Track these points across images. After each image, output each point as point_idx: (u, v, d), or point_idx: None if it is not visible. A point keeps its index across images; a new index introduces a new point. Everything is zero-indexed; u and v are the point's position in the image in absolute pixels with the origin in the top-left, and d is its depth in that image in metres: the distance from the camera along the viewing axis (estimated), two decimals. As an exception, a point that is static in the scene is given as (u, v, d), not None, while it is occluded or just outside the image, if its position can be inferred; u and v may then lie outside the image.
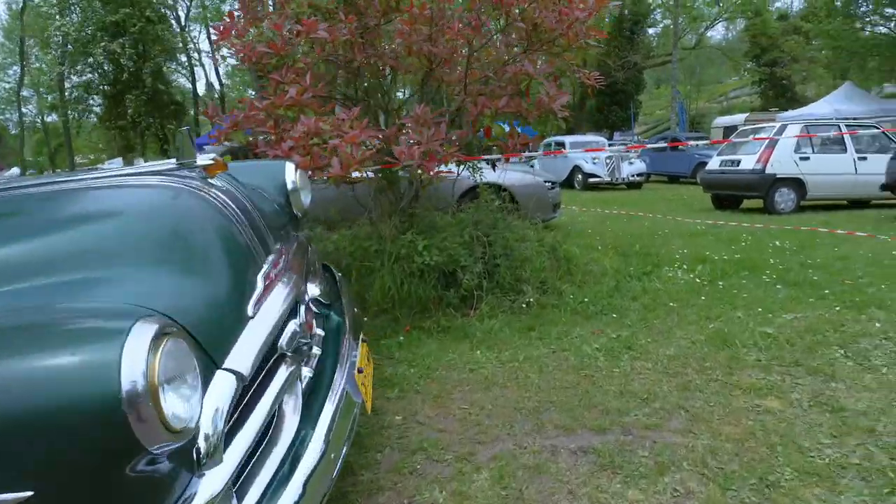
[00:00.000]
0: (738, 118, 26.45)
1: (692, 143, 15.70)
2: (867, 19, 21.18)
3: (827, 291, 4.16)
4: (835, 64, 27.16)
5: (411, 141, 3.54)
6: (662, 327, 3.69)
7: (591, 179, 15.87)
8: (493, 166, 5.13)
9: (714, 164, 10.56)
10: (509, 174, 7.52)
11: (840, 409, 2.64)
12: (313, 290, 2.62)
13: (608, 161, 15.71)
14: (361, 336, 2.47)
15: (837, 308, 3.85)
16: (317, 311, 2.54)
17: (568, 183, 16.53)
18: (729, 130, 26.16)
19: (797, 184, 9.47)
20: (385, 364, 3.36)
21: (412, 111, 3.77)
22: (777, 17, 35.17)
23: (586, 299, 4.20)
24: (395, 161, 3.47)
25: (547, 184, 7.78)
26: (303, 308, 2.26)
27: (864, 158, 9.52)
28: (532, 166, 17.10)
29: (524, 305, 4.09)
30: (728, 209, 10.43)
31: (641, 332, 3.63)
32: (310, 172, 3.19)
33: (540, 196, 7.61)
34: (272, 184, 2.82)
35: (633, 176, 15.99)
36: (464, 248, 4.23)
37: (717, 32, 72.26)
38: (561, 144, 17.32)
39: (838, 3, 21.23)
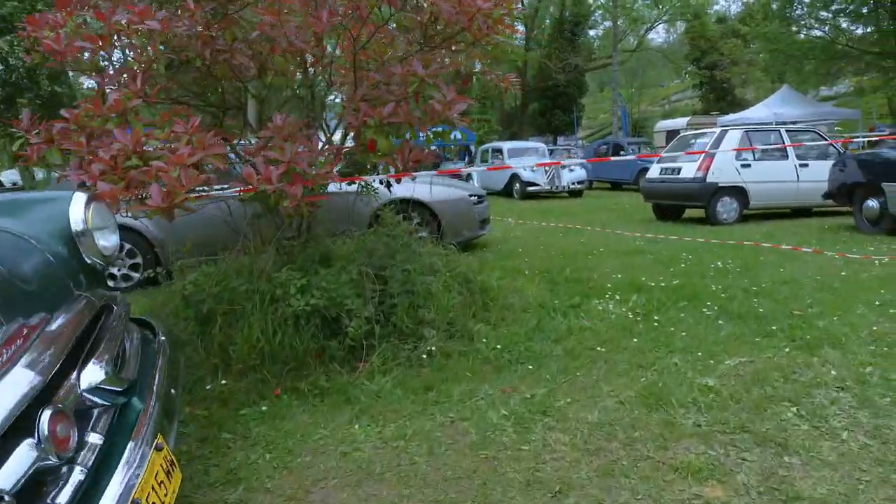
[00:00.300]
0: (681, 122, 26.87)
1: (633, 153, 15.61)
2: (802, 22, 21.79)
3: (774, 327, 3.74)
4: (772, 67, 27.94)
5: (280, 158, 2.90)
6: (587, 381, 3.17)
7: (531, 188, 15.51)
8: (389, 186, 4.53)
9: (654, 172, 10.32)
10: (428, 188, 6.98)
11: (796, 497, 2.16)
12: (94, 374, 1.95)
13: (547, 169, 15.43)
14: (157, 443, 1.82)
15: (787, 349, 3.42)
16: (103, 402, 1.88)
17: (507, 192, 16.17)
18: (672, 134, 26.53)
19: (739, 192, 9.28)
20: (236, 448, 2.70)
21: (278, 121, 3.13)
22: (715, 19, 36.15)
23: (499, 345, 3.65)
24: (249, 186, 2.82)
25: (473, 197, 7.25)
26: (47, 416, 1.59)
27: (806, 165, 9.43)
28: (468, 179, 16.74)
29: (425, 355, 3.51)
30: (669, 219, 10.19)
31: (561, 388, 3.10)
32: (122, 206, 2.52)
33: (465, 212, 7.10)
34: (48, 226, 2.15)
35: (573, 184, 15.79)
36: (351, 286, 3.62)
37: (659, 35, 74.42)
38: (498, 151, 16.94)
39: (774, 6, 21.78)
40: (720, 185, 9.15)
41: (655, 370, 3.24)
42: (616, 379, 3.17)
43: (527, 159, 16.12)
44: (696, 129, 25.68)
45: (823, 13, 20.93)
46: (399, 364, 3.43)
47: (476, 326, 3.95)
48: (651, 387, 3.03)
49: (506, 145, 17.29)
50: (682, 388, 2.99)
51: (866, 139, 19.64)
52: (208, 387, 3.27)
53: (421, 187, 6.97)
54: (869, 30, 21.16)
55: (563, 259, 6.34)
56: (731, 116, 21.68)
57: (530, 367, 3.37)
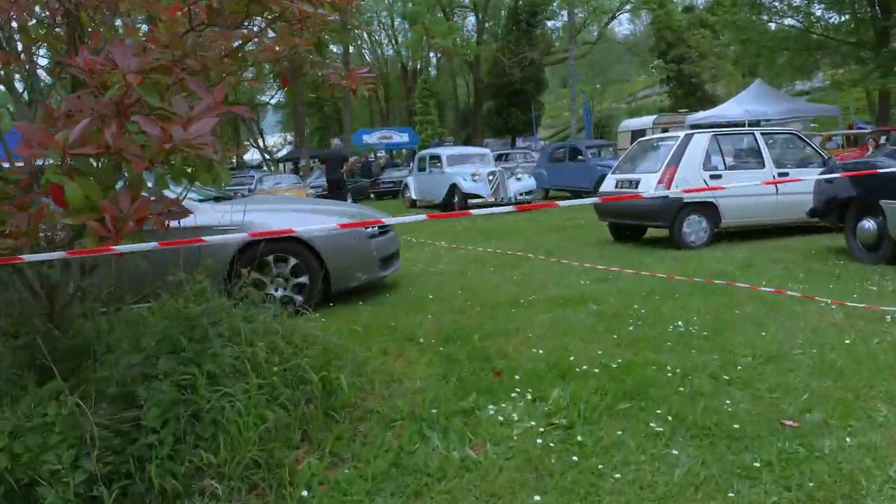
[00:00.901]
0: (647, 120, 26.13)
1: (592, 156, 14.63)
2: (774, 10, 21.22)
3: (758, 459, 2.56)
4: (743, 60, 27.54)
5: None
6: None
7: (472, 201, 14.33)
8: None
9: (608, 184, 9.23)
10: (309, 219, 5.73)
11: None
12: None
13: (491, 178, 14.26)
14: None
15: (780, 511, 2.24)
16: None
17: (447, 205, 14.92)
18: (637, 134, 25.76)
19: (709, 209, 8.24)
20: None
21: None
22: (683, 9, 35.74)
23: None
24: None
25: (371, 229, 5.99)
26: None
27: (786, 174, 8.45)
28: (405, 190, 15.47)
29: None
30: (629, 240, 9.11)
31: None
32: None
33: (358, 249, 5.85)
34: None
35: (520, 195, 14.67)
36: (66, 424, 2.31)
37: (624, 27, 74.75)
38: (436, 159, 15.75)
39: (744, -8, 21.16)
40: (686, 200, 8.09)
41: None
42: None
43: (469, 167, 14.92)
44: (664, 128, 25.05)
45: (796, 0, 20.39)
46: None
47: (301, 464, 2.68)
48: None
49: (444, 151, 16.13)
50: None
51: (846, 136, 19.09)
52: None
53: (298, 218, 5.70)
54: (845, 18, 20.69)
55: (479, 314, 5.12)
56: (700, 114, 20.98)
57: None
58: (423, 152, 17.93)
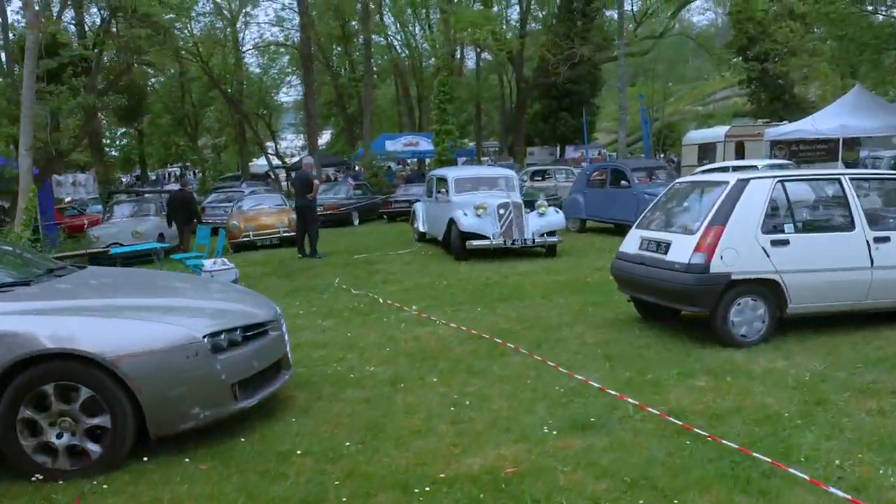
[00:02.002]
0: (718, 132, 24.05)
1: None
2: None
3: None
4: (842, 59, 25.08)
5: None
6: None
7: (475, 243, 12.33)
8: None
9: (632, 242, 7.42)
10: (112, 326, 4.17)
11: None
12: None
13: (502, 212, 12.34)
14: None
15: None
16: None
17: (448, 244, 13.07)
18: (705, 150, 23.71)
19: (770, 288, 6.35)
20: None
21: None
22: (769, -4, 33.24)
23: None
24: None
25: (220, 337, 4.38)
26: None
27: (886, 240, 6.51)
28: (413, 218, 13.50)
29: None
30: (660, 320, 7.27)
31: None
32: None
33: (191, 373, 4.25)
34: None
35: (541, 236, 12.50)
36: None
37: (703, 16, 72.03)
38: (443, 181, 14.03)
39: (841, -23, 18.88)
40: (735, 276, 6.23)
41: None
42: None
43: (481, 195, 13.06)
44: (739, 142, 22.88)
45: (910, -13, 18.06)
46: None
47: None
48: None
49: (451, 173, 14.19)
50: None
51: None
52: None
53: (90, 324, 4.15)
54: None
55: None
56: (782, 128, 18.82)
57: None
58: (433, 172, 16.27)
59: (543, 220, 12.72)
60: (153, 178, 50.68)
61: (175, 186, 27.13)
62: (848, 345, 6.17)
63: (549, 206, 13.28)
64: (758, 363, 5.70)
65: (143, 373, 4.06)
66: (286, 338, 5.18)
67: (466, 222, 12.30)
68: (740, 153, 22.00)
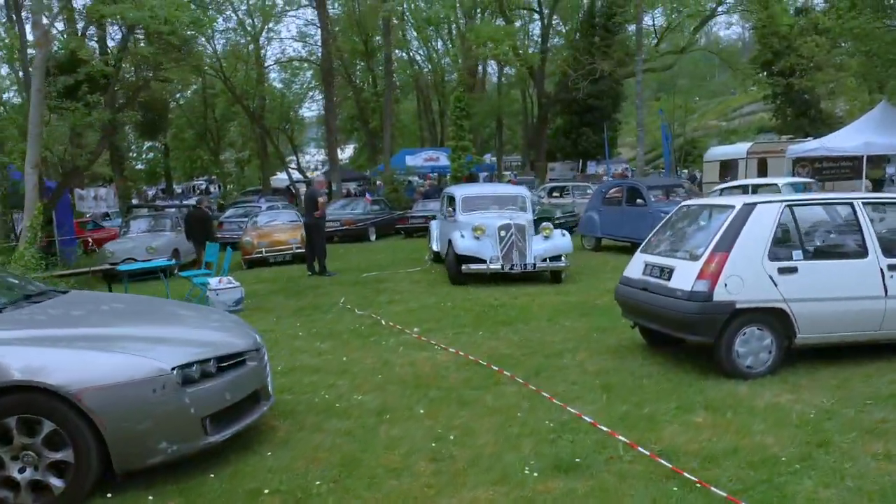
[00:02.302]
0: (740, 149, 23.63)
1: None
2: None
3: None
4: (869, 74, 24.62)
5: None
6: None
7: (471, 267, 11.58)
8: None
9: (635, 267, 7.18)
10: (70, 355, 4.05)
11: None
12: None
13: (503, 234, 11.69)
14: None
15: None
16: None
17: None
18: (727, 167, 23.30)
19: (777, 318, 6.09)
20: None
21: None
22: (794, 10, 32.74)
23: None
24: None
25: (192, 368, 4.25)
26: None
27: (900, 268, 6.21)
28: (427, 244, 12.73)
29: None
30: (664, 349, 7.01)
31: None
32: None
33: (159, 407, 4.12)
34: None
35: (544, 261, 11.73)
36: None
37: (730, 30, 71.37)
38: (452, 200, 13.78)
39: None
40: (740, 305, 5.97)
41: None
42: None
43: (488, 215, 12.65)
44: (761, 159, 22.42)
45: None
46: None
47: None
48: None
49: (460, 191, 13.80)
50: None
51: None
52: None
53: (54, 355, 4.03)
54: None
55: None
56: (804, 145, 18.41)
57: None
58: (446, 189, 16.07)
59: (548, 244, 11.96)
60: (179, 191, 51.23)
61: (193, 201, 27.34)
62: (860, 378, 5.88)
63: (556, 227, 12.79)
64: (762, 397, 5.44)
65: (107, 406, 3.93)
66: (267, 367, 5.04)
67: (462, 245, 11.69)
68: (763, 170, 21.58)
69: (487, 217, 12.22)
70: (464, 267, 11.62)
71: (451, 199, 13.65)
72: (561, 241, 12.11)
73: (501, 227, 11.62)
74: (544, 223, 12.31)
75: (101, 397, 3.92)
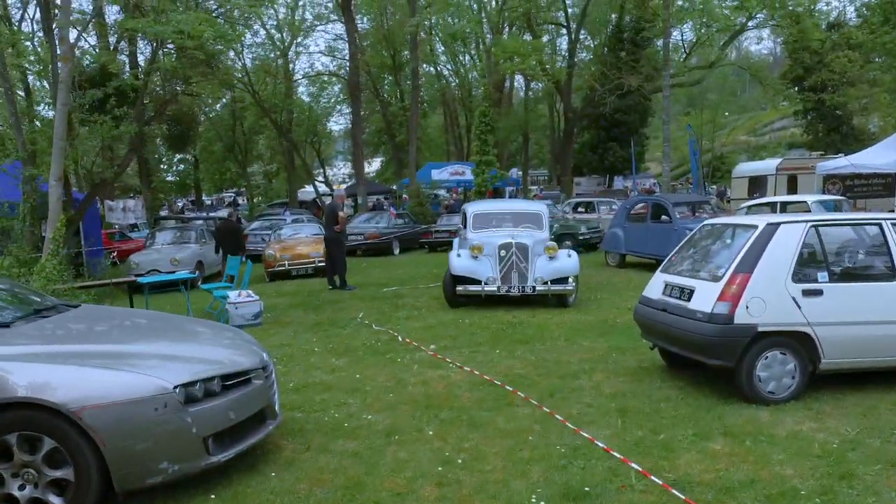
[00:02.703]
0: (769, 165, 23.24)
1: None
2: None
3: None
4: (903, 89, 24.18)
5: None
6: None
7: (468, 288, 10.79)
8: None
9: (655, 286, 7.02)
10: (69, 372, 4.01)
11: None
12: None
13: (503, 254, 10.85)
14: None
15: None
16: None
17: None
18: (756, 183, 22.91)
19: (800, 342, 5.89)
20: None
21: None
22: (826, 26, 32.26)
23: None
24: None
25: (194, 387, 4.20)
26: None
27: (930, 291, 5.98)
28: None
29: None
30: (684, 372, 6.83)
31: None
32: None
33: (160, 426, 4.07)
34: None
35: (545, 283, 10.77)
36: None
37: (762, 45, 70.53)
38: (465, 216, 13.17)
39: (899, 7, 18.13)
40: (762, 328, 5.79)
41: None
42: None
43: (500, 233, 11.49)
44: (791, 175, 22.02)
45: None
46: None
47: None
48: None
49: (472, 207, 13.15)
50: None
51: None
52: None
53: (56, 372, 4.00)
54: None
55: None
56: (833, 162, 18.01)
57: None
58: (465, 205, 15.96)
59: (553, 266, 10.92)
60: (209, 203, 51.78)
61: (223, 213, 27.57)
62: (888, 405, 5.66)
63: (580, 243, 12.39)
64: (783, 424, 5.25)
65: (108, 425, 3.88)
66: (274, 386, 4.97)
67: (458, 264, 11.00)
68: (793, 187, 21.18)
69: (492, 235, 11.47)
70: (459, 288, 10.92)
71: (465, 215, 13.02)
72: (566, 262, 11.10)
73: (502, 246, 10.88)
74: (549, 242, 11.32)
75: (101, 415, 3.87)
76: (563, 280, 10.89)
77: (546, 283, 10.81)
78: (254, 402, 4.61)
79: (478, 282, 10.80)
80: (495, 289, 10.72)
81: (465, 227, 12.46)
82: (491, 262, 10.93)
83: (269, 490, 4.31)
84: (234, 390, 4.43)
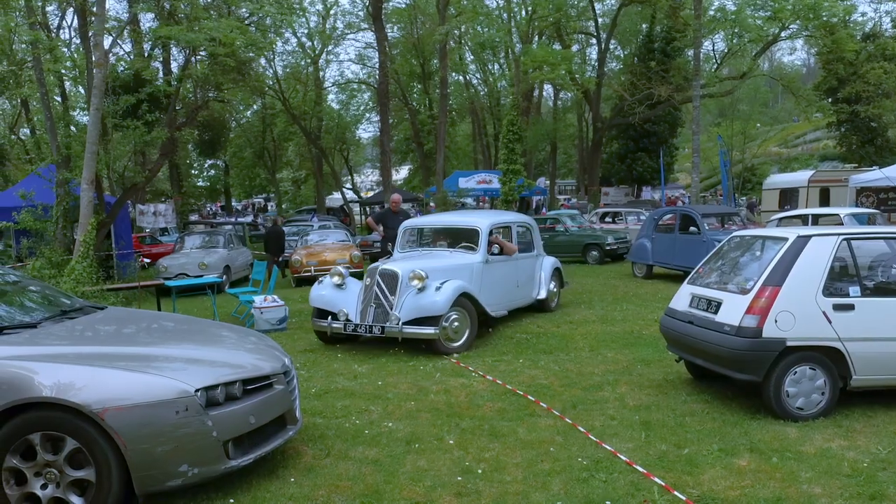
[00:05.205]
0: (801, 177, 22.93)
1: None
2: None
3: None
4: (939, 102, 23.68)
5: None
6: None
7: (317, 322, 9.17)
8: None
9: (682, 298, 6.92)
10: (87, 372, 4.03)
11: None
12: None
13: (367, 281, 9.03)
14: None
15: None
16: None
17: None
18: (787, 195, 22.59)
19: (831, 358, 5.76)
20: None
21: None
22: (862, 37, 31.73)
23: None
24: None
25: (216, 391, 4.20)
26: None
27: (968, 308, 5.81)
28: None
29: None
30: (711, 385, 6.72)
31: None
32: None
33: (180, 429, 4.07)
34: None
35: (408, 322, 8.47)
36: None
37: (794, 55, 69.43)
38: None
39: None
40: (791, 342, 5.67)
41: None
42: None
43: (426, 255, 9.88)
44: (824, 188, 21.67)
45: None
46: None
47: None
48: None
49: (412, 222, 11.00)
50: None
51: None
52: None
53: (80, 373, 4.02)
54: None
55: None
56: (867, 175, 17.72)
57: None
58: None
59: (419, 302, 8.53)
60: (239, 208, 52.33)
61: (253, 218, 27.85)
62: (922, 423, 5.50)
63: (606, 253, 11.56)
64: (812, 442, 5.12)
65: (129, 426, 3.89)
66: (295, 392, 4.96)
67: (315, 293, 9.28)
68: (825, 200, 20.85)
69: (406, 258, 9.78)
70: (314, 322, 9.24)
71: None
72: (431, 299, 8.52)
73: (369, 273, 9.11)
74: (416, 271, 8.68)
75: (122, 417, 3.89)
76: (434, 320, 8.44)
77: (412, 321, 8.47)
78: (275, 407, 4.60)
79: (336, 319, 8.85)
80: (341, 326, 8.75)
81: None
82: (359, 292, 9.09)
83: (288, 496, 4.29)
84: (255, 395, 4.43)
